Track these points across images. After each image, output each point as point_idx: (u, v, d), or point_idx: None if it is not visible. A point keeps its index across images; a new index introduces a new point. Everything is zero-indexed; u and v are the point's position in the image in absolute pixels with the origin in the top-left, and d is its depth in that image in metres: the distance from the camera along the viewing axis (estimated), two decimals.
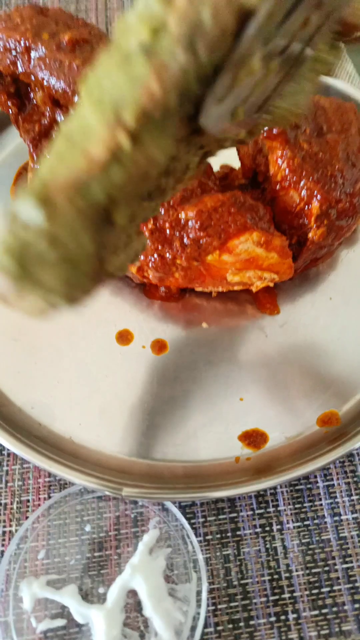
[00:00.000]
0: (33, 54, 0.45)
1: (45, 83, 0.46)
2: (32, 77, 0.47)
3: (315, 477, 0.46)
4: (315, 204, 0.46)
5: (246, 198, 0.45)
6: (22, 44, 0.45)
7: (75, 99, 0.46)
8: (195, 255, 0.46)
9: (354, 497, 0.45)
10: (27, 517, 0.44)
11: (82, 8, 0.78)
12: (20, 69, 0.46)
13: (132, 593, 0.41)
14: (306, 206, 0.46)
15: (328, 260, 0.55)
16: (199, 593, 0.40)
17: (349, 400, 0.47)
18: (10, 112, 0.52)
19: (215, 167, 0.60)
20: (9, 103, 0.51)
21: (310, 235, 0.47)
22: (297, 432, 0.46)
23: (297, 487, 0.45)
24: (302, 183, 0.45)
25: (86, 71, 0.44)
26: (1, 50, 0.46)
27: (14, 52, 0.46)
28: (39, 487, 0.45)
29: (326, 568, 0.43)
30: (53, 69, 0.45)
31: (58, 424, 0.46)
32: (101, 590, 0.42)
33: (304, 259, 0.50)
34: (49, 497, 0.45)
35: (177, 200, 0.44)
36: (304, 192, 0.46)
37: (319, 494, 0.45)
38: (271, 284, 0.50)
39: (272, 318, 0.52)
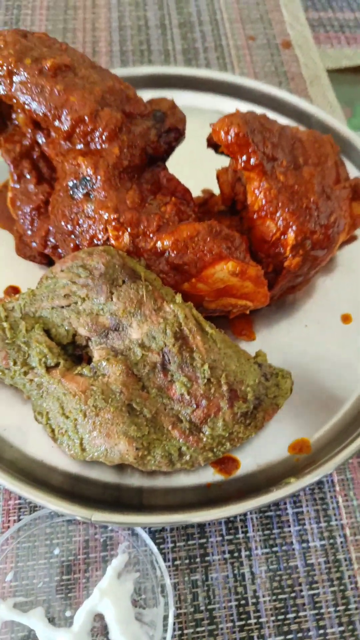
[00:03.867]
0: (15, 78, 0.45)
1: (26, 107, 0.46)
2: (14, 100, 0.47)
3: (285, 503, 0.46)
4: (291, 235, 0.47)
5: (222, 228, 0.45)
6: (5, 68, 0.45)
7: (56, 123, 0.46)
8: (172, 283, 0.46)
9: (322, 525, 0.46)
10: None
11: (70, 27, 0.78)
12: (2, 92, 0.47)
13: (99, 617, 0.41)
14: (282, 236, 0.47)
15: (305, 288, 0.55)
16: (165, 618, 0.40)
17: (320, 429, 0.48)
18: None
19: (197, 191, 0.61)
20: None
21: (286, 264, 0.48)
22: (268, 458, 0.47)
23: (266, 514, 0.46)
24: (278, 214, 0.46)
25: (67, 96, 0.45)
26: None
27: None
28: (9, 509, 0.46)
29: (292, 594, 0.43)
30: (34, 94, 0.45)
31: (30, 447, 0.46)
32: (68, 613, 0.42)
33: (280, 287, 0.51)
34: (19, 519, 0.45)
35: (154, 229, 0.45)
36: (280, 223, 0.46)
37: (288, 520, 0.46)
38: (247, 311, 0.51)
39: (247, 344, 0.52)
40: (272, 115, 0.65)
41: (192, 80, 0.67)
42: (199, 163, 0.57)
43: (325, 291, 0.56)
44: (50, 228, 0.51)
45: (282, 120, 0.66)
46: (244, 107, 0.66)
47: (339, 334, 0.53)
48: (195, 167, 0.57)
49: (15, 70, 0.45)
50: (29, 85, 0.45)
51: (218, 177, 0.53)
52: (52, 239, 0.52)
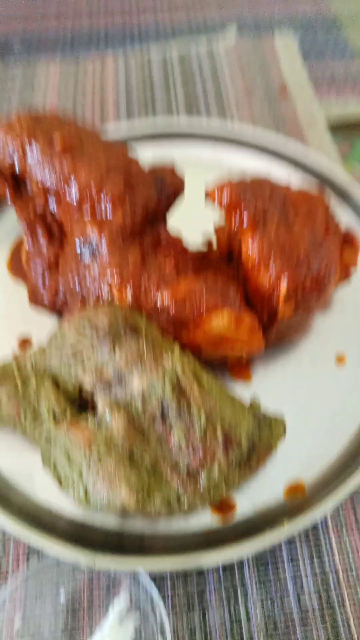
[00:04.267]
0: (29, 156, 0.50)
1: (39, 180, 0.51)
2: (28, 173, 0.51)
3: (280, 546, 0.48)
4: (283, 284, 0.49)
5: (217, 280, 0.48)
6: (20, 148, 0.50)
7: (66, 194, 0.50)
8: (172, 336, 0.49)
9: (316, 565, 0.47)
10: (6, 585, 0.47)
11: (80, 103, 0.82)
12: (17, 169, 0.51)
13: None
14: (275, 286, 0.50)
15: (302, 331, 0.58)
16: None
17: (314, 471, 0.50)
18: (8, 197, 0.56)
19: (198, 235, 0.64)
20: (7, 191, 0.55)
21: (279, 312, 0.51)
22: (264, 502, 0.48)
23: (262, 555, 0.48)
24: (270, 266, 0.49)
25: (75, 172, 0.49)
26: (1, 152, 0.51)
27: (11, 155, 0.51)
28: (19, 555, 0.48)
29: (287, 635, 0.45)
30: (45, 170, 0.50)
31: (38, 493, 0.48)
32: None
33: (275, 332, 0.53)
34: (28, 565, 0.47)
35: (154, 285, 0.48)
36: (272, 275, 0.49)
37: (283, 560, 0.48)
38: (243, 356, 0.53)
39: (245, 386, 0.55)
40: (269, 163, 0.68)
41: (192, 132, 0.71)
42: (199, 208, 0.60)
43: (319, 332, 0.58)
44: (61, 286, 0.54)
45: (279, 170, 0.69)
46: (243, 154, 0.69)
47: (333, 375, 0.55)
48: (195, 216, 0.60)
49: (29, 150, 0.50)
50: (41, 162, 0.49)
51: (215, 232, 0.56)
52: (62, 296, 0.55)
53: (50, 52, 0.89)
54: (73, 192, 0.49)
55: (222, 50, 0.87)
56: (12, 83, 0.85)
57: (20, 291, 0.61)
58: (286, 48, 0.88)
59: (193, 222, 0.60)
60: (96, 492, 0.44)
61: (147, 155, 0.70)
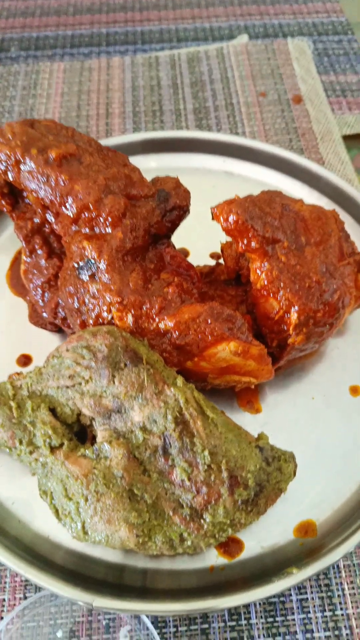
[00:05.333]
0: (22, 167, 0.47)
1: (34, 194, 0.48)
2: (23, 186, 0.49)
3: (289, 589, 0.45)
4: (293, 314, 0.46)
5: (223, 309, 0.46)
6: (13, 158, 0.47)
7: (63, 209, 0.48)
8: (175, 362, 0.47)
9: (327, 614, 0.44)
10: (2, 617, 0.45)
11: (84, 114, 0.79)
12: (10, 178, 0.49)
13: None
14: (285, 315, 0.47)
15: (314, 356, 0.55)
16: None
17: (326, 511, 0.47)
18: (5, 209, 0.54)
19: (205, 253, 0.62)
20: (3, 202, 0.53)
21: (290, 341, 0.48)
22: (273, 541, 0.46)
23: (270, 600, 0.45)
24: (280, 294, 0.46)
25: (72, 185, 0.46)
26: None
27: (4, 164, 0.48)
28: (16, 586, 0.46)
29: None
30: (41, 182, 0.47)
31: (36, 522, 0.47)
32: None
33: (285, 360, 0.50)
34: (25, 597, 0.46)
35: (157, 310, 0.45)
36: (282, 302, 0.46)
37: (292, 607, 0.45)
38: (252, 386, 0.51)
39: (253, 417, 0.52)
40: (280, 177, 0.65)
41: (201, 143, 0.68)
42: (207, 224, 0.58)
43: (332, 360, 0.55)
44: (60, 301, 0.52)
45: (291, 182, 0.66)
46: (253, 168, 0.66)
47: (347, 408, 0.52)
48: (204, 229, 0.58)
49: (22, 160, 0.47)
50: (35, 174, 0.47)
51: (222, 251, 0.53)
52: (61, 311, 0.53)
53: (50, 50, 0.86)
54: (70, 208, 0.46)
55: (232, 50, 0.83)
56: (15, 81, 0.82)
57: (21, 310, 0.59)
58: (299, 49, 0.84)
59: (201, 230, 0.57)
60: (94, 528, 0.42)
61: (151, 165, 0.68)
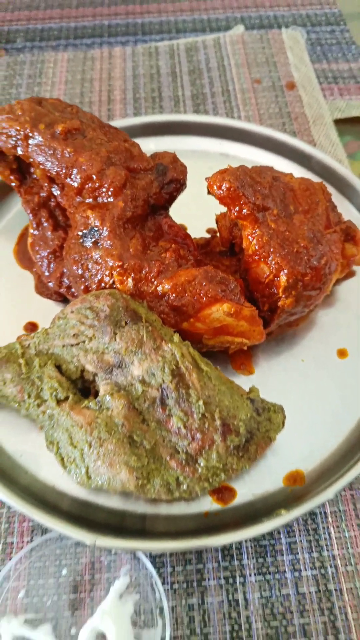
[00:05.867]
0: (31, 141, 0.51)
1: (41, 166, 0.52)
2: (31, 159, 0.53)
3: (279, 533, 0.49)
4: (282, 277, 0.50)
5: (217, 272, 0.49)
6: (22, 133, 0.51)
7: (68, 180, 0.51)
8: (172, 323, 0.50)
9: (314, 554, 0.48)
10: (11, 558, 0.48)
11: (87, 100, 0.83)
12: (20, 152, 0.52)
13: (102, 636, 0.45)
14: (275, 278, 0.50)
15: (305, 322, 0.58)
16: (162, 639, 0.43)
17: (314, 461, 0.50)
18: (13, 184, 0.58)
19: (202, 229, 0.65)
20: (12, 177, 0.57)
21: (279, 304, 0.51)
22: (264, 489, 0.49)
23: (261, 543, 0.48)
24: (270, 258, 0.49)
25: (76, 157, 0.50)
26: (4, 136, 0.52)
27: (14, 139, 0.52)
28: (23, 531, 0.50)
29: (284, 622, 0.45)
30: (48, 155, 0.51)
31: (43, 473, 0.50)
32: (73, 631, 0.45)
33: (276, 324, 0.54)
34: (32, 540, 0.49)
35: (155, 274, 0.49)
36: (272, 266, 0.50)
37: (282, 549, 0.48)
38: (245, 347, 0.54)
39: (247, 378, 0.55)
40: (273, 157, 0.69)
41: (198, 126, 0.71)
42: (204, 203, 0.61)
43: (322, 326, 0.58)
44: (65, 270, 0.56)
45: (284, 162, 0.69)
46: (248, 150, 0.70)
47: (335, 369, 0.56)
48: (200, 207, 0.61)
49: (30, 135, 0.50)
50: (43, 148, 0.50)
51: (217, 222, 0.56)
52: (66, 280, 0.57)
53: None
54: (75, 179, 0.49)
55: (228, 40, 0.87)
56: (21, 70, 0.86)
57: (28, 282, 0.62)
58: (293, 38, 0.88)
59: (198, 208, 0.60)
60: (97, 472, 0.45)
61: (151, 147, 0.71)
